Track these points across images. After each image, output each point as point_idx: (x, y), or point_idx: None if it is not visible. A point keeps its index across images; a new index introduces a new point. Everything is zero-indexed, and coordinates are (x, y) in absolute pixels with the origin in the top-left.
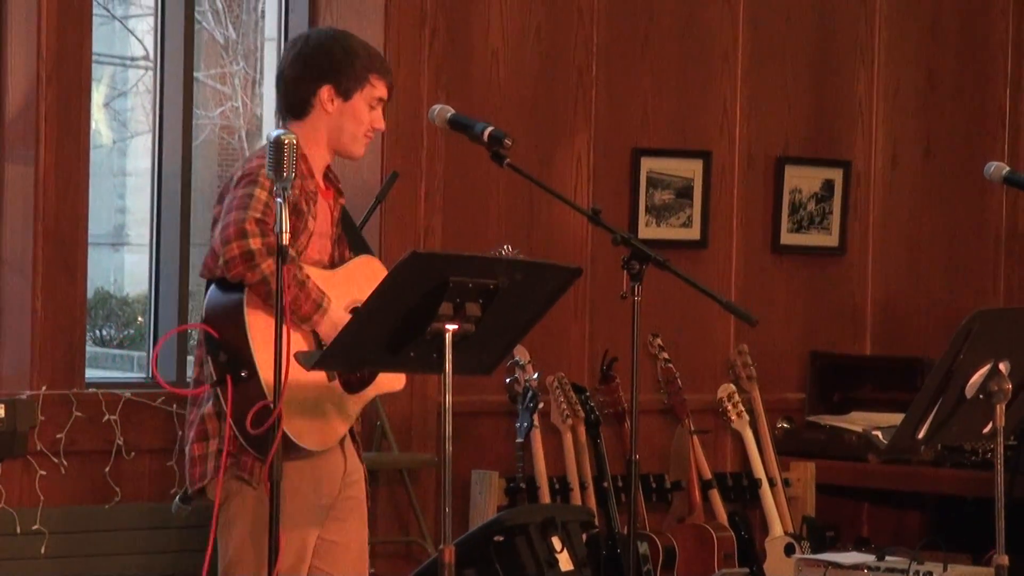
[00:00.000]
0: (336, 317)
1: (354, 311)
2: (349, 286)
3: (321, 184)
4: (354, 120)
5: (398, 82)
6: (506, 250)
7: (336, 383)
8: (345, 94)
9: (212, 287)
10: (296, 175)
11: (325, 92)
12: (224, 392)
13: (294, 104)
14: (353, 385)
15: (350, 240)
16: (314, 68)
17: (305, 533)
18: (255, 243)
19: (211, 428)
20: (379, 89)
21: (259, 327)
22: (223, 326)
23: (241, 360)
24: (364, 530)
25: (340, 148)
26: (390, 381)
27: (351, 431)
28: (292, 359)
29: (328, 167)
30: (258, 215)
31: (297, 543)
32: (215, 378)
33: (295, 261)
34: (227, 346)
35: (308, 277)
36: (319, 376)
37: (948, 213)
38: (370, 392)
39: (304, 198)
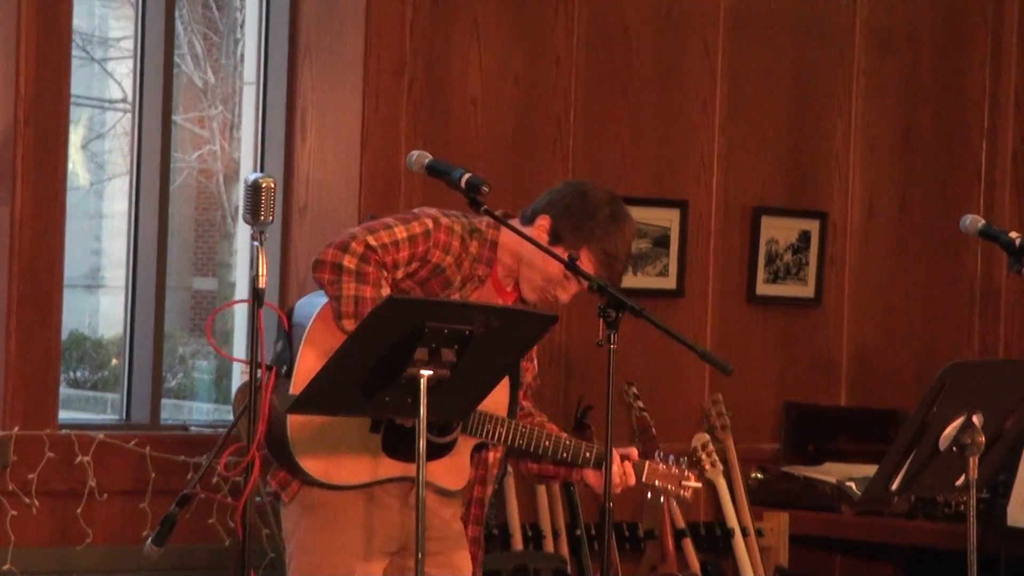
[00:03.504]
0: None
1: None
2: None
3: (503, 282)
4: (542, 268)
5: (376, 128)
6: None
7: (377, 437)
8: (553, 239)
9: None
10: (465, 251)
11: (544, 222)
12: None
13: (535, 211)
14: (394, 451)
15: None
16: (559, 199)
17: (347, 569)
18: (349, 262)
19: None
20: (583, 265)
21: (318, 337)
22: (296, 320)
23: (288, 358)
24: None
25: (518, 279)
26: (445, 476)
27: (478, 536)
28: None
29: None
30: (375, 242)
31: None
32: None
33: (379, 288)
34: (287, 340)
35: None
36: (359, 419)
37: (924, 265)
38: (407, 470)
39: (463, 276)
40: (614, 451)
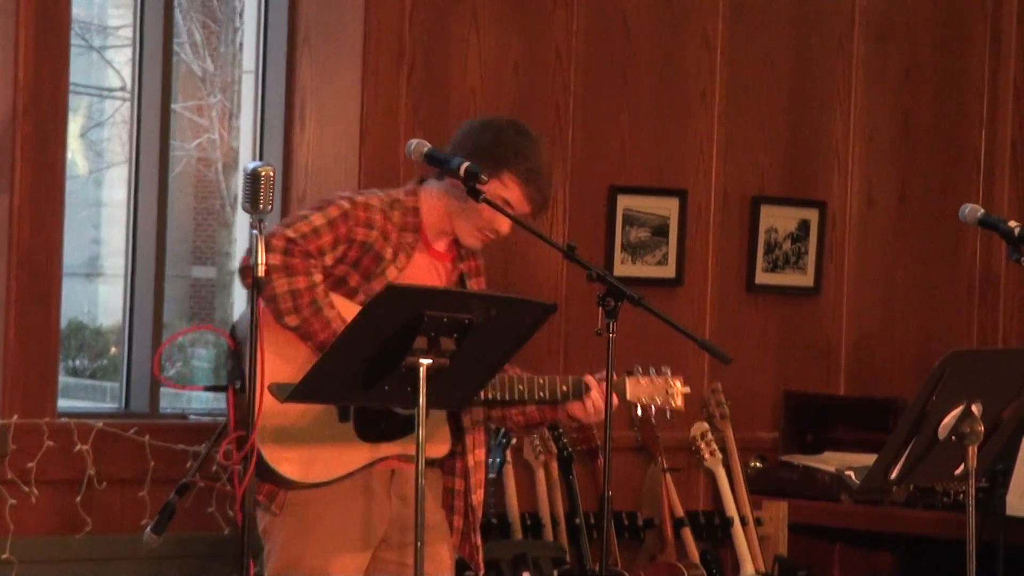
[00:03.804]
0: None
1: None
2: None
3: (434, 244)
4: (472, 209)
5: (375, 117)
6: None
7: (348, 425)
8: (469, 184)
9: None
10: (390, 223)
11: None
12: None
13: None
14: (369, 435)
15: None
16: (463, 141)
17: (327, 563)
18: (273, 259)
19: None
20: (510, 191)
21: (264, 343)
22: (240, 336)
23: (240, 372)
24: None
25: (454, 229)
26: (427, 447)
27: (466, 521)
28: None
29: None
30: (294, 235)
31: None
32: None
33: (314, 288)
34: (235, 356)
35: (331, 306)
36: (327, 412)
37: (923, 254)
38: (393, 449)
39: (393, 247)
40: (590, 378)
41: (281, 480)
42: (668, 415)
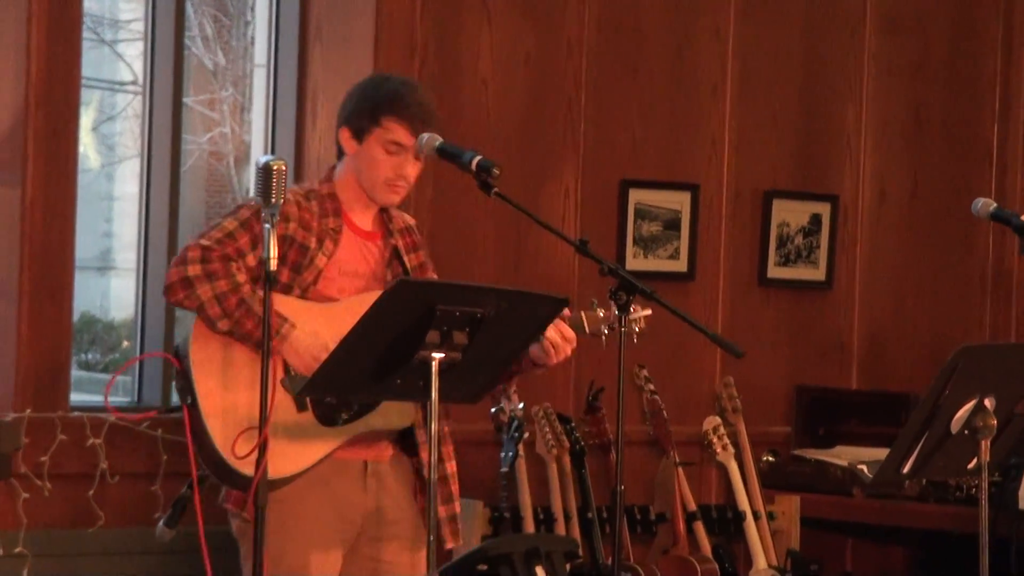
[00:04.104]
0: (299, 343)
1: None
2: (347, 317)
3: (360, 225)
4: (370, 164)
5: None
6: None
7: (308, 414)
8: (358, 136)
9: None
10: (308, 212)
11: (343, 134)
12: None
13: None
14: (331, 420)
15: None
16: (341, 110)
17: (302, 563)
18: (193, 270)
19: None
20: (394, 132)
21: (203, 356)
22: (183, 353)
23: (188, 388)
24: (404, 562)
25: (368, 193)
26: (388, 419)
27: (441, 505)
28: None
29: (386, 210)
30: (208, 243)
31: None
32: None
33: (239, 288)
34: (182, 374)
35: (261, 302)
36: (282, 405)
37: (935, 248)
38: (357, 427)
39: (316, 236)
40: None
41: (247, 483)
42: (635, 340)
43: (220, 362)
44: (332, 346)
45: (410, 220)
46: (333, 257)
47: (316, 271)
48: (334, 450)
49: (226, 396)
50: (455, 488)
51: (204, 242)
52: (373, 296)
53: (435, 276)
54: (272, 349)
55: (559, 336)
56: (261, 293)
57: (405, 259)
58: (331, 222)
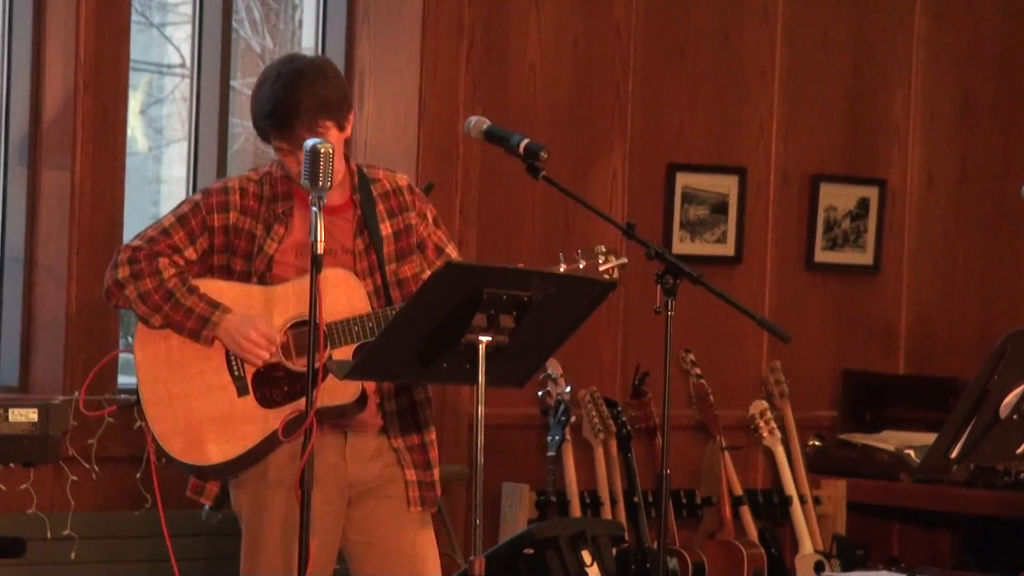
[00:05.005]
0: (230, 326)
1: (299, 324)
2: (294, 300)
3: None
4: (286, 166)
5: (435, 94)
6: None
7: (249, 398)
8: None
9: None
10: (253, 198)
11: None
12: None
13: None
14: (270, 401)
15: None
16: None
17: (288, 537)
18: (122, 272)
19: None
20: (277, 144)
21: (146, 354)
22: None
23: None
24: (403, 532)
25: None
26: (335, 392)
27: (403, 451)
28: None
29: (364, 174)
30: (138, 243)
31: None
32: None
33: (163, 284)
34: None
35: (191, 292)
36: (225, 391)
37: (983, 233)
38: (296, 407)
39: (264, 222)
40: None
41: (202, 471)
42: (609, 277)
43: (162, 356)
44: (261, 325)
45: (400, 181)
46: (285, 241)
47: (267, 257)
48: (274, 431)
49: (167, 388)
50: (433, 455)
51: (135, 243)
52: (331, 276)
53: (439, 233)
54: (206, 337)
55: None
56: (195, 283)
57: (380, 226)
58: (280, 206)
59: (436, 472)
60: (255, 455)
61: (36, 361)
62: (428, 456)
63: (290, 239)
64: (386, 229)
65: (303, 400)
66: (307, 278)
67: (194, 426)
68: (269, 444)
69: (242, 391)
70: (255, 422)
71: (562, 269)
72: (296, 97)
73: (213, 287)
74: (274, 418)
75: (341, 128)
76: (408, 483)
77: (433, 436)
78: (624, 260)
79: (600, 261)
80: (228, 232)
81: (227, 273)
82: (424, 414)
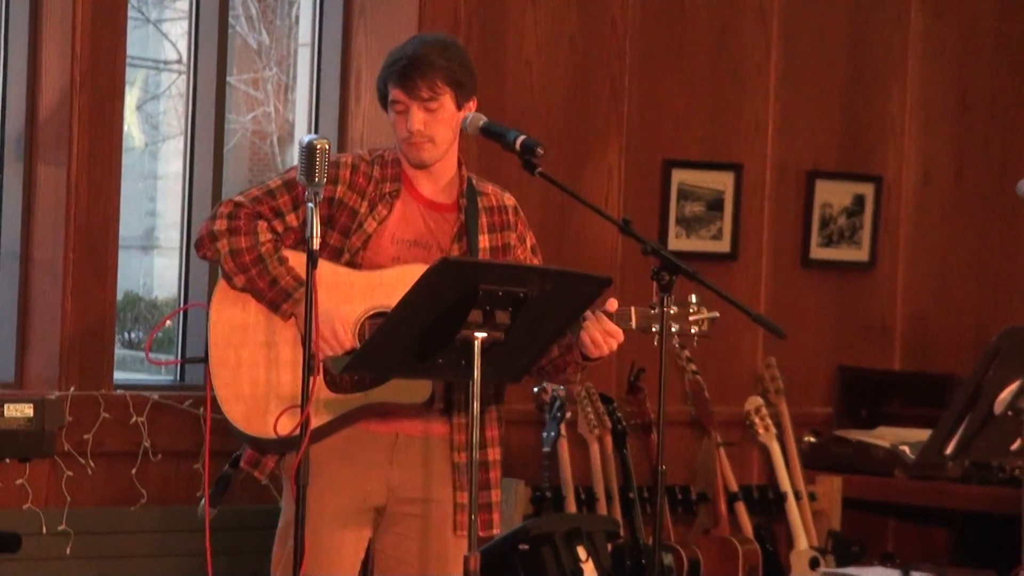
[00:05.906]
0: (319, 310)
1: (377, 316)
2: (381, 290)
3: (422, 192)
4: (395, 128)
5: None
6: None
7: (318, 379)
8: (383, 104)
9: None
10: (363, 176)
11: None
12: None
13: None
14: (341, 385)
15: None
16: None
17: (322, 535)
18: (219, 224)
19: None
20: (393, 94)
21: (222, 315)
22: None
23: (205, 344)
24: (443, 563)
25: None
26: (406, 391)
27: (459, 466)
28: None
29: (472, 184)
30: (241, 199)
31: (312, 542)
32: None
33: (258, 246)
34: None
35: (280, 262)
36: (290, 365)
37: (979, 229)
38: (357, 399)
39: (369, 200)
40: (588, 312)
41: (250, 440)
42: (695, 343)
43: (238, 320)
44: (338, 325)
45: (508, 200)
46: (385, 223)
47: (364, 235)
48: (336, 419)
49: (237, 354)
50: (494, 475)
51: (238, 198)
52: (413, 270)
53: (534, 260)
54: (284, 311)
55: (600, 332)
56: (286, 254)
57: (479, 238)
58: (388, 186)
59: (496, 493)
60: (316, 436)
61: (31, 356)
62: (489, 475)
63: (390, 222)
64: (484, 242)
65: (372, 391)
66: (399, 269)
67: (258, 397)
68: (331, 426)
69: (312, 371)
70: (324, 404)
71: (652, 313)
72: (424, 51)
73: (298, 260)
74: (340, 406)
75: (458, 105)
76: (458, 505)
77: (499, 455)
78: (716, 314)
79: (691, 311)
80: (332, 204)
81: (323, 246)
82: (493, 432)
